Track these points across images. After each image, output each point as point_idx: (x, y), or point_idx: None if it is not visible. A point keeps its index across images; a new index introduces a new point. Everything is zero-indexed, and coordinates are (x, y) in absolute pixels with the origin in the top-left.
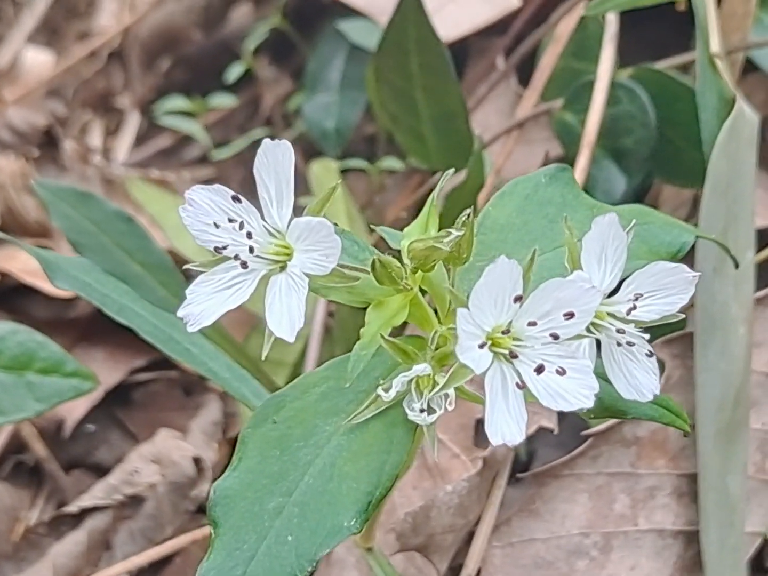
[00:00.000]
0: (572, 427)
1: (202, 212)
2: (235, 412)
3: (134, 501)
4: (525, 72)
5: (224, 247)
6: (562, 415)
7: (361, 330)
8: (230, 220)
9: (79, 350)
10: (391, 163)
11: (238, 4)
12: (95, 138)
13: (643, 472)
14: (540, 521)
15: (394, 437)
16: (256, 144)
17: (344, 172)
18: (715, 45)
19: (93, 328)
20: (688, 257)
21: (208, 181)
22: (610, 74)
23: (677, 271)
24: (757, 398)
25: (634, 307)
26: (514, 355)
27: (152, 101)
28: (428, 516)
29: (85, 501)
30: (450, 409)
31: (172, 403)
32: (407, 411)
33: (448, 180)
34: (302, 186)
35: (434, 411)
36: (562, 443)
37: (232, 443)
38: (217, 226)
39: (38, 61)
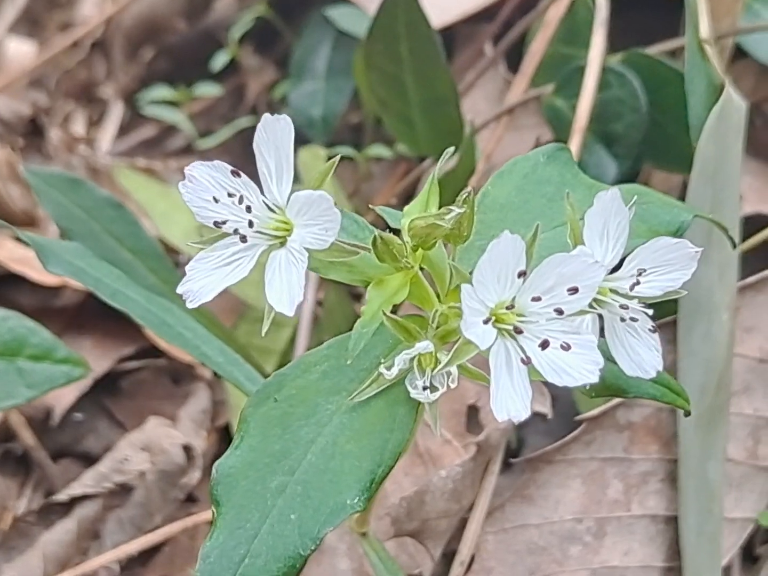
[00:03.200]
0: (562, 414)
1: (201, 188)
2: (223, 400)
3: (123, 489)
4: (513, 58)
5: (224, 222)
6: (552, 402)
7: (362, 308)
8: (229, 195)
9: (67, 339)
10: (378, 150)
11: None
12: (78, 128)
13: (636, 457)
14: (533, 507)
15: (397, 415)
16: (241, 133)
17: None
18: (704, 30)
19: (80, 317)
20: None
21: None
22: (601, 59)
23: (679, 246)
24: (749, 383)
25: (638, 283)
26: (518, 331)
27: (135, 91)
28: (423, 501)
29: (75, 489)
30: (453, 386)
31: (160, 392)
32: (409, 389)
33: (437, 167)
34: None
35: (437, 389)
36: (551, 430)
37: (221, 431)
38: (216, 200)
39: (20, 51)
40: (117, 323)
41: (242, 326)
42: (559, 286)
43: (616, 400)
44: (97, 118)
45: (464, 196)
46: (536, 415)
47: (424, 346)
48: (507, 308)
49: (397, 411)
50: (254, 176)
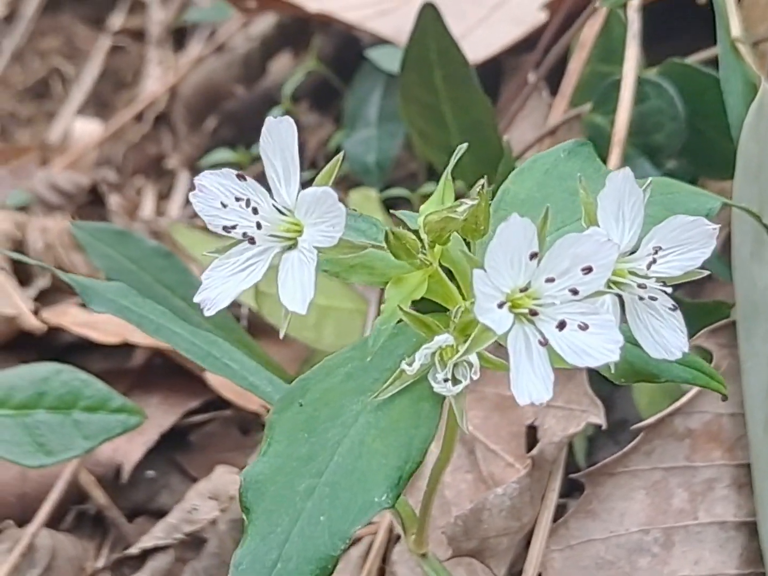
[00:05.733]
0: (632, 433)
1: (212, 197)
2: None
3: (197, 540)
4: (557, 83)
5: (233, 227)
6: (620, 423)
7: (382, 306)
8: (237, 199)
9: (134, 397)
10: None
11: (277, 55)
12: (148, 202)
13: (700, 464)
14: (598, 521)
15: (422, 411)
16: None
17: (389, 207)
18: (735, 29)
19: (146, 376)
20: (725, 244)
21: None
22: (636, 71)
23: (697, 224)
24: None
25: (654, 261)
26: (534, 313)
27: (200, 159)
28: (480, 519)
29: (146, 542)
30: (475, 378)
31: (230, 443)
32: (432, 383)
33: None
34: None
35: (459, 382)
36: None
37: None
38: (224, 206)
39: (86, 130)
40: (182, 379)
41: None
42: (573, 267)
43: (672, 408)
44: (167, 191)
45: (478, 189)
46: (603, 433)
47: (444, 339)
48: (521, 290)
49: (422, 407)
50: None
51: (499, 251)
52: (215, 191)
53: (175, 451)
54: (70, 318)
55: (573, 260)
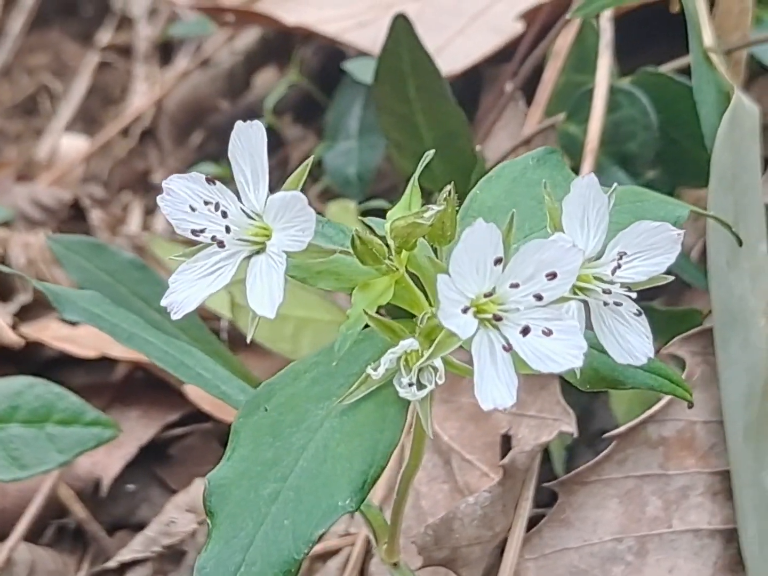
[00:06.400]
0: (606, 442)
1: (180, 200)
2: None
3: (176, 554)
4: (534, 92)
5: (202, 230)
6: (599, 433)
7: (348, 311)
8: (206, 203)
9: (114, 411)
10: None
11: (262, 69)
12: (135, 217)
13: (673, 472)
14: (571, 530)
15: (387, 416)
16: None
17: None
18: (708, 39)
19: (126, 390)
20: (702, 253)
21: None
22: (608, 80)
23: (661, 230)
24: None
25: (619, 266)
26: (498, 318)
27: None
28: (451, 528)
29: (124, 555)
30: (440, 383)
31: (210, 456)
32: (398, 388)
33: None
34: None
35: (425, 386)
36: None
37: None
38: (192, 209)
39: (73, 146)
40: (162, 393)
41: None
42: (538, 273)
43: (644, 416)
44: (154, 206)
45: (444, 195)
46: (582, 443)
47: (409, 343)
48: (486, 296)
49: (387, 412)
50: None
51: (464, 256)
52: (183, 195)
53: (154, 464)
54: (51, 333)
55: (537, 266)
